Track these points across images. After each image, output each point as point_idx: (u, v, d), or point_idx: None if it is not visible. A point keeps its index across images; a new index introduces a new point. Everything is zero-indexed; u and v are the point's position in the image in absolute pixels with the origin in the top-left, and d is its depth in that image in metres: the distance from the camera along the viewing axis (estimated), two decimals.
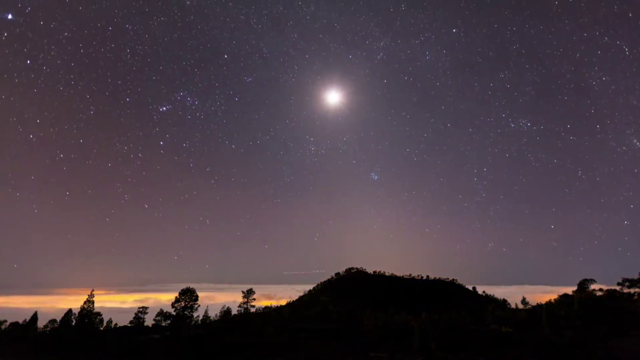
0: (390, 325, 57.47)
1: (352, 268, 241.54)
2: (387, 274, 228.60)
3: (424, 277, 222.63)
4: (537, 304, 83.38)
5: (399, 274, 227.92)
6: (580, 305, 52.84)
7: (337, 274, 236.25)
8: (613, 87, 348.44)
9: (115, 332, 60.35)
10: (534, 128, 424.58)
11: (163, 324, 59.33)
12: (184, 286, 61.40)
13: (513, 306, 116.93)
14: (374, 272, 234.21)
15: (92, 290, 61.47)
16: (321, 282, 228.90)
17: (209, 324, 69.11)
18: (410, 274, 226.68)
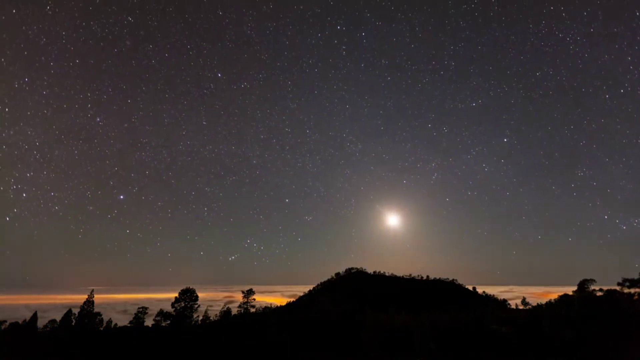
0: (390, 325, 57.37)
1: (352, 268, 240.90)
2: (387, 274, 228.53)
3: (424, 277, 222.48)
4: (537, 304, 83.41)
5: (399, 274, 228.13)
6: (580, 305, 52.76)
7: (337, 274, 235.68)
8: None
9: (115, 332, 60.32)
10: None
11: (163, 324, 59.25)
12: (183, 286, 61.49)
13: (513, 306, 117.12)
14: (374, 272, 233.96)
15: (92, 290, 61.63)
16: (321, 282, 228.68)
17: (209, 324, 68.97)
18: (410, 274, 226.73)
